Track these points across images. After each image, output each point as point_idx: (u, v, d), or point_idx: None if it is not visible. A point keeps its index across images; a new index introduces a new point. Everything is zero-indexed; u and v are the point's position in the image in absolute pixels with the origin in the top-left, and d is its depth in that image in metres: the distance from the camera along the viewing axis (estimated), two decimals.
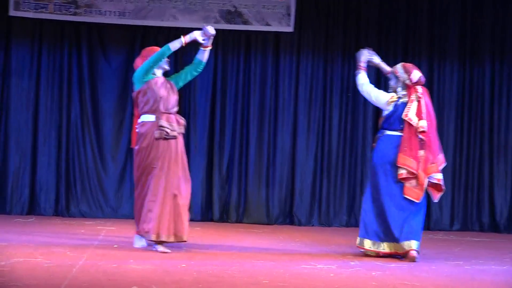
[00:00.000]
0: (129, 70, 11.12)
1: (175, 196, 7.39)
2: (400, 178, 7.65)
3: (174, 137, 7.49)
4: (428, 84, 11.23)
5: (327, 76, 11.29)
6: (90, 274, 5.92)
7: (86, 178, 10.98)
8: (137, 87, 7.54)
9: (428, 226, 11.01)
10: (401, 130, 7.73)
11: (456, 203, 11.19)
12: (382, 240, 7.72)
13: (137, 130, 7.59)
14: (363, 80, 8.04)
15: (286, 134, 11.23)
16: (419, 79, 7.86)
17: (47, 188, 10.90)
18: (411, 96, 7.76)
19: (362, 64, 8.09)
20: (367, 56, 8.15)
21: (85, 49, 11.09)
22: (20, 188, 10.87)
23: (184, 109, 10.91)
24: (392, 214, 7.66)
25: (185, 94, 11.07)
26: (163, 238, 7.36)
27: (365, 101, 11.22)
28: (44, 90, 11.00)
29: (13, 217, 10.39)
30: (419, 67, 11.07)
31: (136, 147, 7.52)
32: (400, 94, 7.86)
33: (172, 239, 7.40)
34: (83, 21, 10.93)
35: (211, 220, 11.03)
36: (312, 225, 11.03)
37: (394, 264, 7.20)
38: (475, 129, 11.31)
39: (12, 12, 10.75)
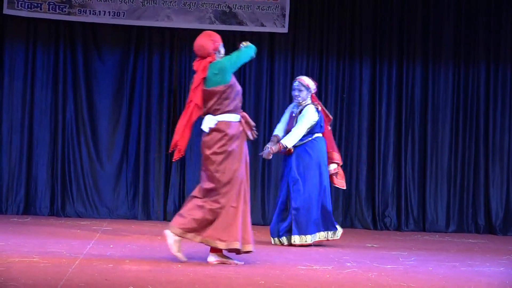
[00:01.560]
0: (124, 69, 11.11)
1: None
2: (333, 172, 8.78)
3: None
4: (423, 86, 11.29)
5: (322, 77, 11.28)
6: (87, 274, 5.91)
7: (82, 178, 10.96)
8: (227, 79, 6.72)
9: (424, 227, 11.09)
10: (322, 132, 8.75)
11: (452, 204, 11.20)
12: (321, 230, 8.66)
13: (213, 132, 6.81)
14: (297, 135, 8.54)
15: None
16: (316, 88, 8.88)
17: (42, 188, 10.89)
18: (318, 102, 8.82)
19: (283, 150, 8.62)
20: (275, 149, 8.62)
21: (79, 49, 11.07)
22: (16, 188, 10.85)
23: (179, 110, 10.89)
24: (329, 206, 8.70)
25: (180, 95, 11.07)
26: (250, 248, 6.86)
27: (360, 102, 11.30)
28: (38, 89, 10.98)
29: (9, 217, 10.39)
30: (414, 69, 11.27)
31: (223, 149, 6.74)
32: (312, 103, 8.70)
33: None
34: (77, 21, 10.91)
35: None
36: None
37: (390, 266, 7.21)
38: (471, 131, 11.31)
39: (6, 11, 10.70)
